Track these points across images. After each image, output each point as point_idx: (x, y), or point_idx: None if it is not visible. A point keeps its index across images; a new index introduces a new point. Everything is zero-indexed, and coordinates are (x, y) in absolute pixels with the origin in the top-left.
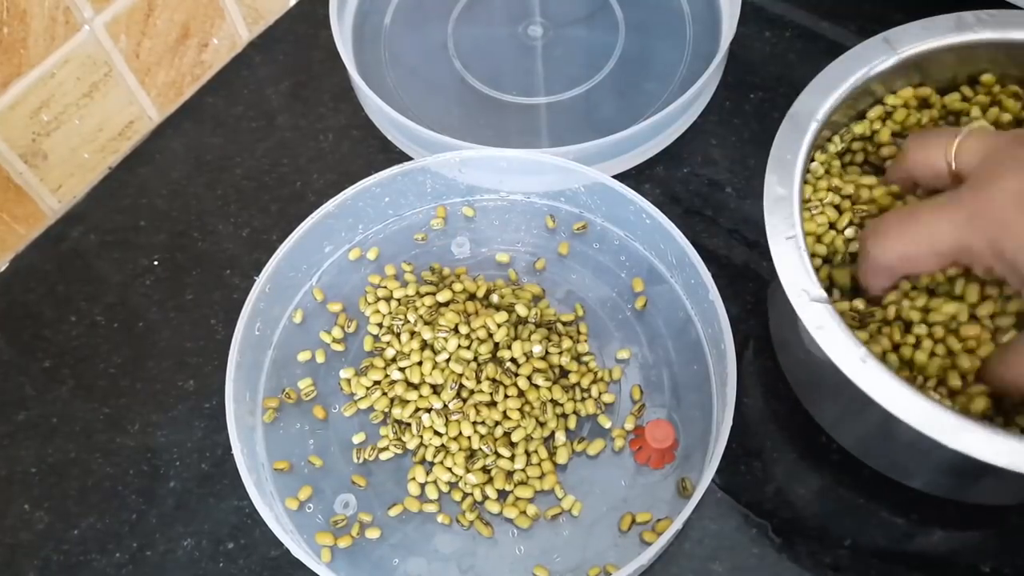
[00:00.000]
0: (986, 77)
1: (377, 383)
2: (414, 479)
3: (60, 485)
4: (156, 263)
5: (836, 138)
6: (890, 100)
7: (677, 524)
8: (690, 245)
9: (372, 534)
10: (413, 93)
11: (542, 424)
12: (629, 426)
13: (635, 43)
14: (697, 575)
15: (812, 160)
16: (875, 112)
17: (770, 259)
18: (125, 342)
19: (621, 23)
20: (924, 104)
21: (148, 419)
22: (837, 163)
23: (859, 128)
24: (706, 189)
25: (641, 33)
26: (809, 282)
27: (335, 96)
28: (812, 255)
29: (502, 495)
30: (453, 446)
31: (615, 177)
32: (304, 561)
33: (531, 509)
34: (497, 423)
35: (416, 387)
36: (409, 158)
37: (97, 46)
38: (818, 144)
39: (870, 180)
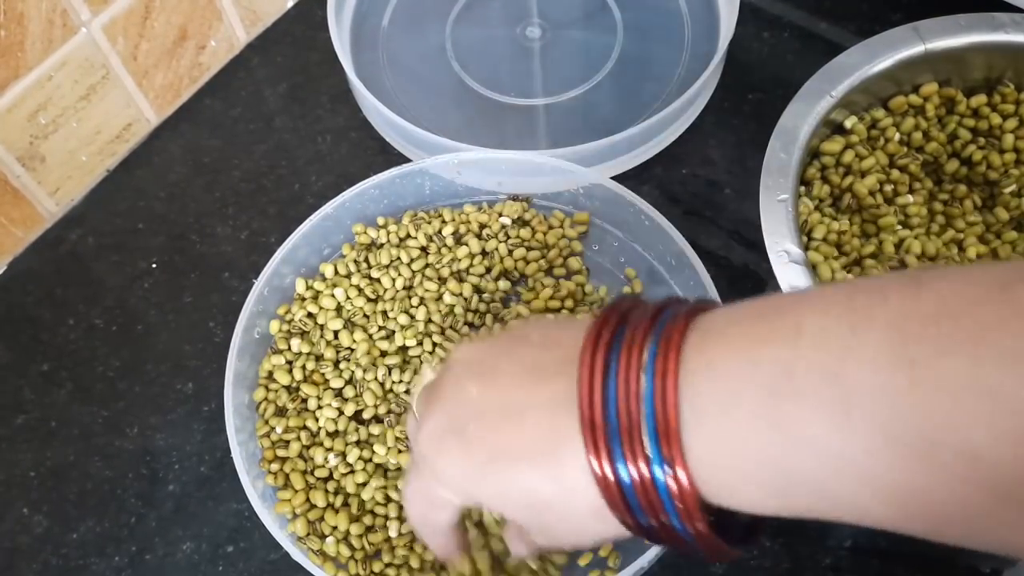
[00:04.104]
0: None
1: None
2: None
3: (59, 489)
4: (154, 266)
5: (853, 118)
6: (912, 98)
7: None
8: (689, 246)
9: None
10: (411, 95)
11: None
12: None
13: (633, 44)
14: None
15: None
16: (896, 102)
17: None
18: (123, 345)
19: (619, 24)
20: (950, 102)
21: (147, 422)
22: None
23: (878, 114)
24: (705, 190)
25: (639, 34)
26: (791, 243)
27: (333, 98)
28: (804, 223)
29: None
30: None
31: (614, 178)
32: (303, 564)
33: None
34: None
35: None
36: (407, 160)
37: (95, 48)
38: (836, 122)
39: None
